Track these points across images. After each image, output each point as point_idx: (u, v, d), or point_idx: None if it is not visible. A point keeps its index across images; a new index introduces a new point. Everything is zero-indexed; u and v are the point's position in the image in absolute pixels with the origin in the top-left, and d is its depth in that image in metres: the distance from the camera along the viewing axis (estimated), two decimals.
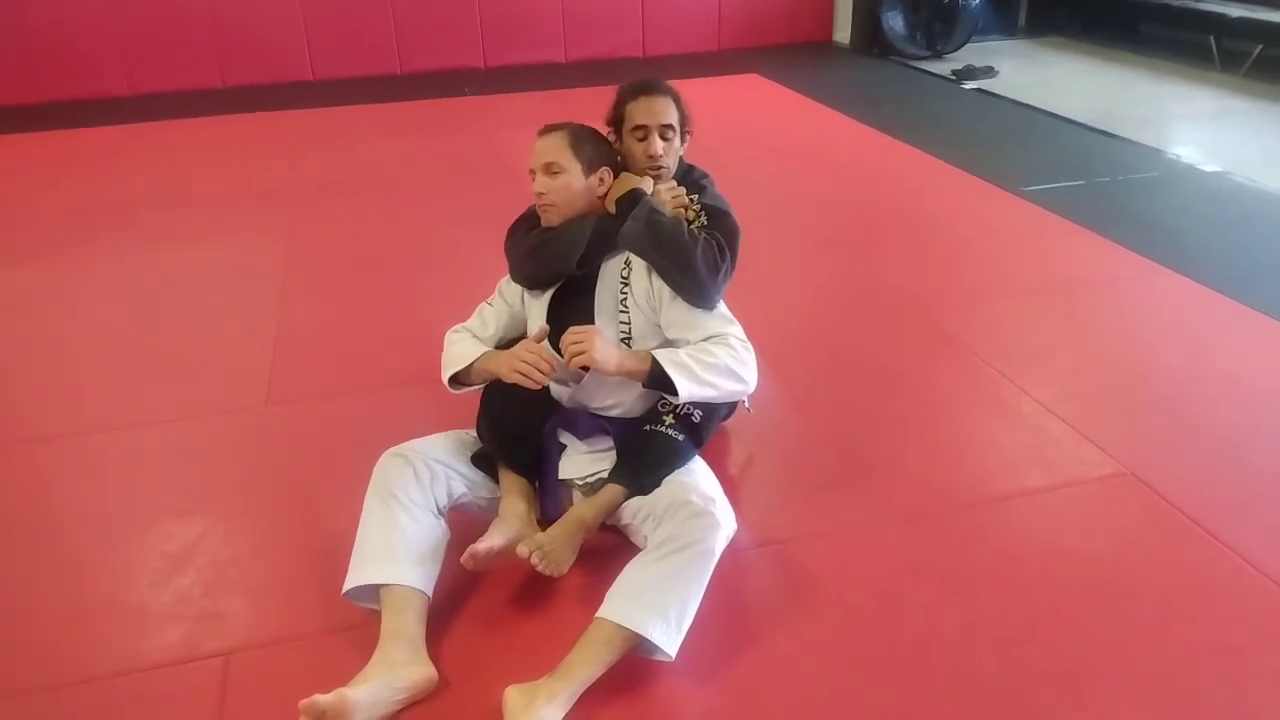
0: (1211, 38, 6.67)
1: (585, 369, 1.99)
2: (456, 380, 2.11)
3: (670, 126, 2.17)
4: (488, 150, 4.94)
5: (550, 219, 2.08)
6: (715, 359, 1.95)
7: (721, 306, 2.08)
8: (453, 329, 2.22)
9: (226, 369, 2.90)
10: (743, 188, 4.43)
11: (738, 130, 5.54)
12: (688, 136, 2.24)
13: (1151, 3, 7.28)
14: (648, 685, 1.71)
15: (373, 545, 1.84)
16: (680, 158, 2.26)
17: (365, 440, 2.32)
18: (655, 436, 2.00)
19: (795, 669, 1.75)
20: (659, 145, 2.14)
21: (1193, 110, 5.79)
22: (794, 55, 7.53)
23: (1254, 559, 1.99)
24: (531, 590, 1.95)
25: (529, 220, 2.17)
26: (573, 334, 1.92)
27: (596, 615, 1.70)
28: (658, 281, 2.04)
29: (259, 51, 6.88)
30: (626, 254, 2.07)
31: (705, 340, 1.99)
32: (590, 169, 2.07)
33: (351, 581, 1.81)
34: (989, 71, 6.63)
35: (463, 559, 1.83)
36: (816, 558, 2.03)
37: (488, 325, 2.20)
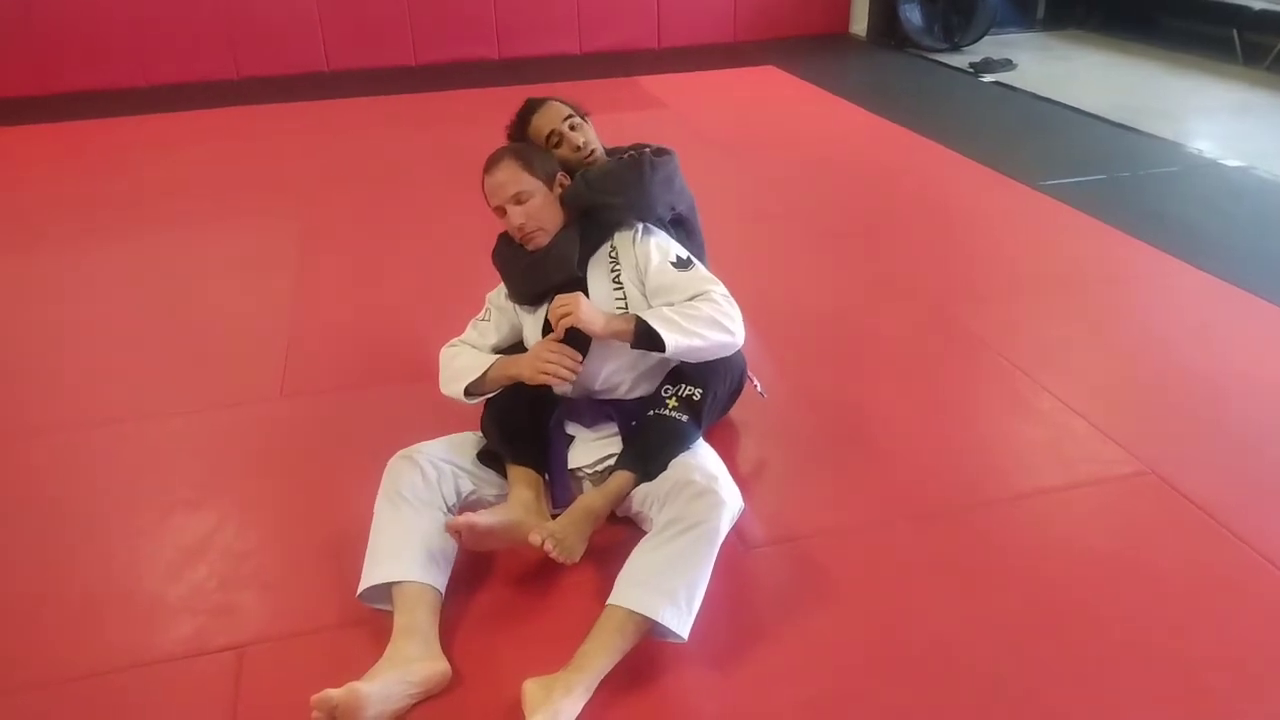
0: (1234, 31, 6.59)
1: (581, 359, 2.00)
2: (468, 392, 2.11)
3: (570, 117, 2.26)
4: (502, 142, 4.93)
5: (540, 242, 2.10)
6: (699, 311, 1.99)
7: (701, 269, 2.14)
8: (448, 344, 2.23)
9: (240, 360, 2.90)
10: (759, 180, 4.45)
11: (754, 123, 5.51)
12: (588, 116, 2.33)
13: None
14: (662, 681, 1.70)
15: (383, 546, 1.84)
16: (604, 146, 2.33)
17: (380, 433, 2.33)
18: (658, 420, 1.99)
19: (810, 666, 1.74)
20: (576, 137, 2.24)
21: (1214, 104, 5.72)
22: (810, 47, 7.48)
23: (1276, 559, 1.96)
24: (543, 584, 1.93)
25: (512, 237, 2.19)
26: (559, 300, 1.95)
27: (607, 602, 1.70)
28: (640, 250, 2.10)
29: (273, 43, 6.88)
30: (611, 240, 2.13)
31: (689, 300, 2.03)
32: (550, 180, 2.12)
33: (365, 583, 1.81)
34: (1007, 64, 6.58)
35: (454, 524, 1.80)
36: (831, 555, 2.01)
37: (487, 336, 2.21)
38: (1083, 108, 5.54)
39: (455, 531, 1.81)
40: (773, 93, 6.28)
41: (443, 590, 1.83)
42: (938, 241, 3.72)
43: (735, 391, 2.27)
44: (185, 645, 1.81)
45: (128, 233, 4.02)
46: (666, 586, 1.69)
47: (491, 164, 2.11)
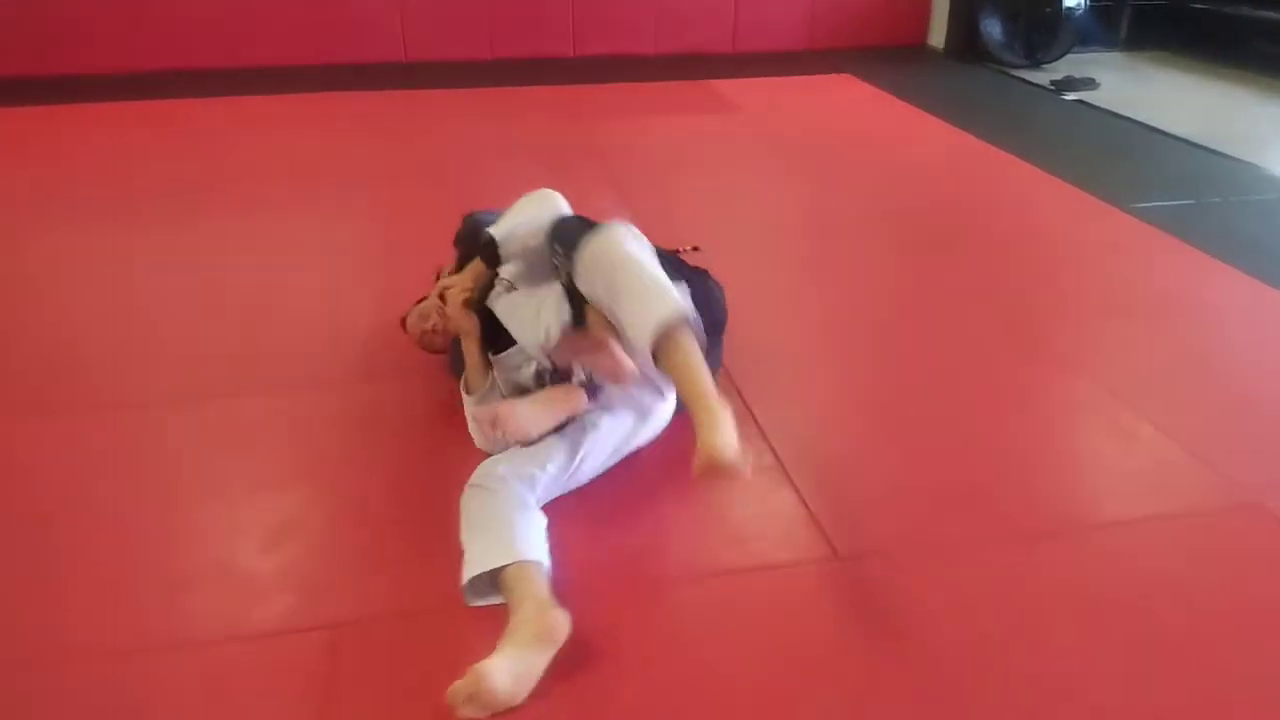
0: None
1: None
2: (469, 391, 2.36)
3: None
4: (577, 136, 4.96)
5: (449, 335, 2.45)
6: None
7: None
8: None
9: (327, 342, 2.92)
10: (835, 187, 4.40)
11: (830, 130, 5.46)
12: None
13: (1264, 18, 7.01)
14: (765, 689, 1.67)
15: (476, 552, 1.84)
16: None
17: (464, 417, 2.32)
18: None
19: (881, 696, 1.69)
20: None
21: None
22: (887, 57, 7.40)
23: None
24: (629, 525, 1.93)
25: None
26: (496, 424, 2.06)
27: (650, 347, 1.87)
28: (516, 243, 2.27)
29: (352, 32, 6.97)
30: (496, 279, 2.36)
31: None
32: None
33: (467, 575, 1.80)
34: (1090, 83, 6.45)
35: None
36: (925, 572, 1.96)
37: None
38: (1168, 130, 5.41)
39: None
40: (849, 101, 6.22)
41: (548, 564, 1.84)
42: (1024, 259, 3.64)
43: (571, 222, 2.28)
44: (279, 621, 1.81)
45: (225, 210, 4.07)
46: (657, 303, 1.88)
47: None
